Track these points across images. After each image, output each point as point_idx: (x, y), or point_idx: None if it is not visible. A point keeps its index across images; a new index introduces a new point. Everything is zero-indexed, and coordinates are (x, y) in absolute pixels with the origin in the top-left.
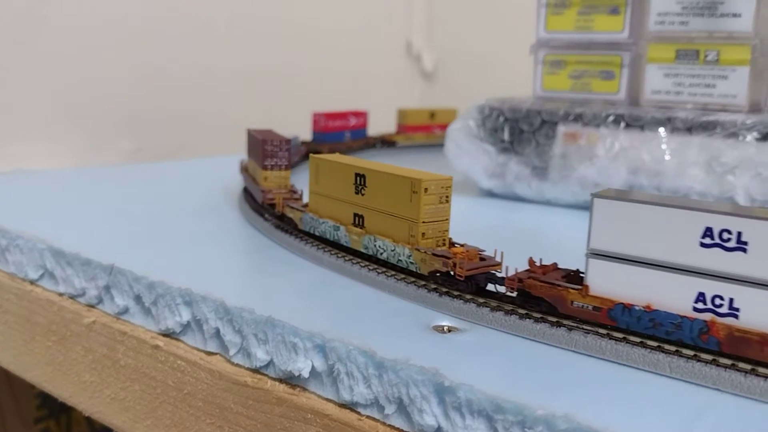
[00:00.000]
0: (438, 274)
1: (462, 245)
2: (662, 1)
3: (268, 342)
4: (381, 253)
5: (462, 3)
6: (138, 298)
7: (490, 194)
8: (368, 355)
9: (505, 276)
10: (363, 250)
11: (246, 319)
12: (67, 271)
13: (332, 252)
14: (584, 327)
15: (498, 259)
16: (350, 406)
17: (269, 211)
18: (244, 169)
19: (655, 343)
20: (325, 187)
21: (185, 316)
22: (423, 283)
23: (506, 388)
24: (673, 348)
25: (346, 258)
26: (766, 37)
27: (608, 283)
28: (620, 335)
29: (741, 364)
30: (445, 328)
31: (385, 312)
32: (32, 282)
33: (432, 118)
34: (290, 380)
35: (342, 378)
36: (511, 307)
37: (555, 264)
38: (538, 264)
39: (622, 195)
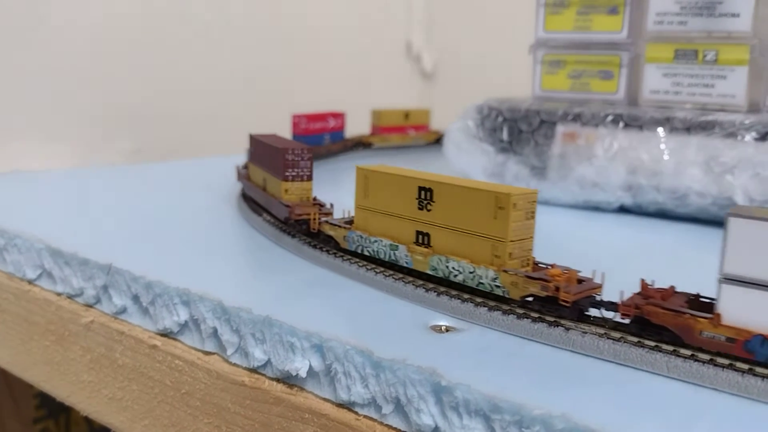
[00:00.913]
0: (531, 299)
1: (552, 265)
2: (661, 1)
3: (266, 342)
4: (455, 276)
5: (461, 3)
6: (136, 298)
7: None
8: (365, 354)
9: (619, 302)
10: (430, 272)
11: (243, 319)
12: (65, 270)
13: (329, 251)
14: (581, 327)
15: (597, 280)
16: (348, 406)
17: (297, 227)
18: (245, 177)
19: (652, 343)
20: (378, 202)
21: (183, 315)
22: (421, 282)
23: (503, 388)
24: (670, 348)
25: (344, 258)
26: (764, 37)
27: (744, 311)
28: (617, 335)
29: (738, 364)
30: (443, 327)
31: (383, 311)
32: (30, 282)
33: (406, 119)
34: (288, 380)
35: (339, 378)
36: (508, 306)
37: (673, 287)
38: (652, 286)
39: (761, 214)
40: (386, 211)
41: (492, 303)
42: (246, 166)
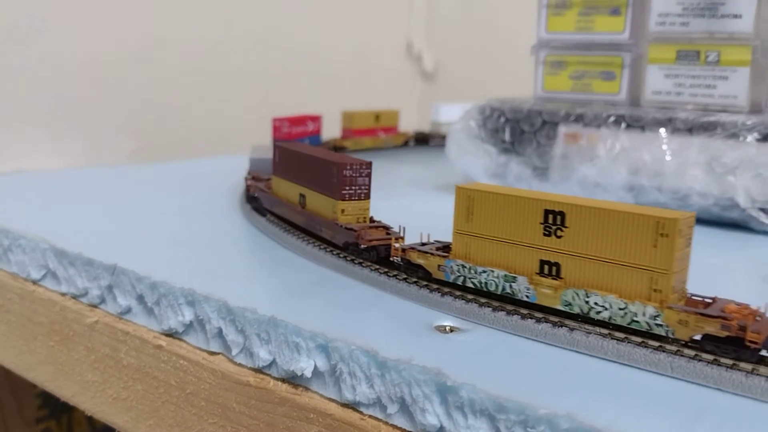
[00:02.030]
0: (704, 339)
1: (713, 299)
2: (663, 2)
3: (271, 342)
4: (597, 312)
5: (462, 3)
6: (140, 298)
7: None
8: (371, 354)
9: None
10: (562, 307)
11: (248, 319)
12: (70, 271)
13: (333, 252)
14: (585, 327)
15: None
16: (353, 406)
17: (366, 254)
18: (266, 190)
19: (656, 343)
20: (485, 227)
21: (188, 315)
22: (425, 283)
23: (508, 388)
24: (674, 348)
25: (348, 258)
26: (766, 38)
27: None
28: (621, 335)
29: (742, 364)
30: (447, 328)
31: (387, 312)
32: (35, 282)
33: (377, 121)
34: (293, 380)
35: (344, 378)
36: (513, 307)
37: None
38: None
39: None
40: (498, 237)
41: (496, 303)
42: (251, 176)
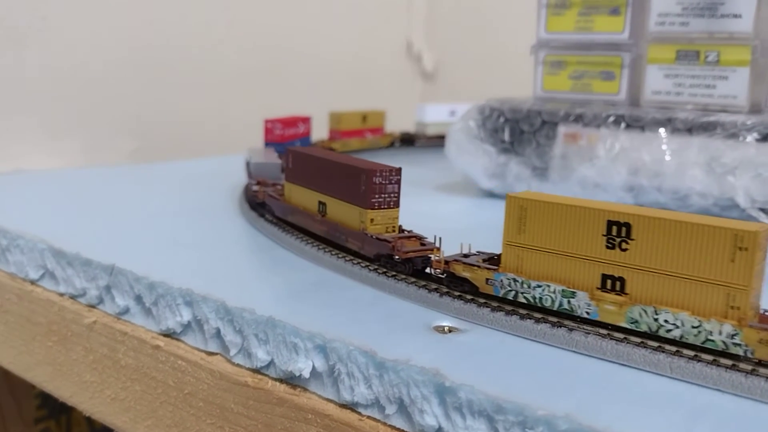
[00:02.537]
0: None
1: None
2: (662, 2)
3: (269, 342)
4: (668, 330)
5: (462, 3)
6: (139, 299)
7: (491, 195)
8: (369, 355)
9: None
10: (627, 325)
11: (247, 320)
12: (68, 271)
13: (332, 252)
14: (585, 328)
15: None
16: (351, 407)
17: (402, 267)
18: (275, 196)
19: (655, 344)
20: (539, 239)
21: (186, 316)
22: (423, 283)
23: (507, 389)
24: (673, 348)
25: (347, 258)
26: (766, 38)
27: None
28: (621, 336)
29: (741, 365)
30: (446, 328)
31: (386, 312)
32: (33, 282)
33: (364, 122)
34: (291, 380)
35: (343, 378)
36: (512, 307)
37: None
38: None
39: None
40: (554, 249)
41: (494, 304)
42: (257, 182)
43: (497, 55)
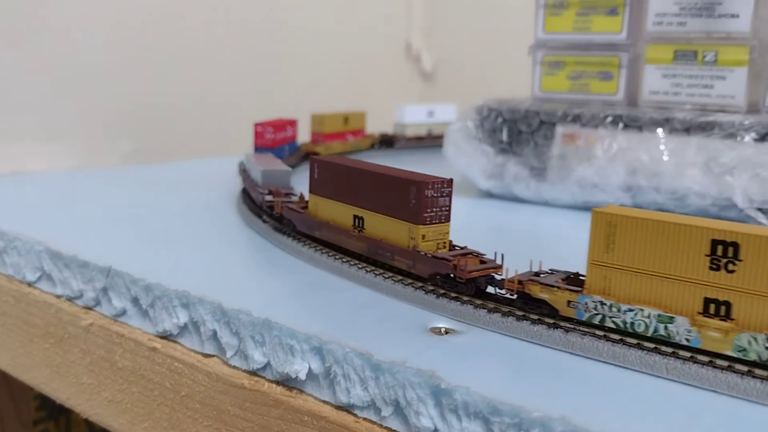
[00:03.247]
0: None
1: None
2: (660, 2)
3: (265, 344)
4: None
5: (461, 4)
6: (135, 300)
7: (489, 195)
8: (365, 357)
9: None
10: (734, 353)
11: (243, 322)
12: (65, 273)
13: (329, 253)
14: (581, 329)
15: None
16: (347, 408)
17: (465, 287)
18: (297, 209)
19: (651, 345)
20: (632, 258)
21: (182, 318)
22: (420, 284)
23: (503, 391)
24: (669, 350)
25: (343, 259)
26: (764, 37)
27: None
28: (617, 337)
29: (738, 366)
30: (442, 329)
31: (382, 314)
32: (30, 284)
33: (346, 123)
34: (287, 382)
35: (339, 380)
36: (509, 308)
37: None
38: None
39: None
40: (647, 270)
41: (491, 305)
42: (269, 192)
43: (496, 55)
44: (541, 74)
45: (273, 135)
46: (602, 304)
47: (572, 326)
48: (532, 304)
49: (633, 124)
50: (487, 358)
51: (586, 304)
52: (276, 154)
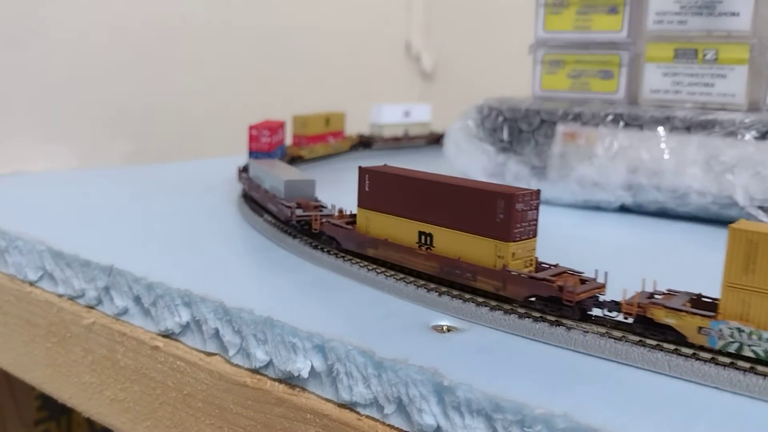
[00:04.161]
0: None
1: None
2: (661, 1)
3: (268, 342)
4: None
5: (461, 3)
6: (137, 299)
7: None
8: (367, 355)
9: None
10: None
11: (245, 320)
12: (67, 272)
13: (331, 252)
14: (582, 326)
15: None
16: (349, 406)
17: (570, 311)
18: (342, 225)
19: (654, 342)
20: None
21: (184, 316)
22: (422, 282)
23: (505, 388)
24: (671, 347)
25: (345, 258)
26: (764, 36)
27: None
28: (619, 334)
29: (740, 363)
30: (444, 327)
31: (384, 312)
32: (32, 283)
33: (327, 125)
34: (289, 380)
35: (341, 378)
36: (510, 306)
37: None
38: None
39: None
40: None
41: (493, 303)
42: (297, 205)
43: (496, 55)
44: (541, 73)
45: (269, 138)
46: (740, 331)
47: (573, 324)
48: (654, 330)
49: (634, 122)
50: (489, 356)
51: (720, 330)
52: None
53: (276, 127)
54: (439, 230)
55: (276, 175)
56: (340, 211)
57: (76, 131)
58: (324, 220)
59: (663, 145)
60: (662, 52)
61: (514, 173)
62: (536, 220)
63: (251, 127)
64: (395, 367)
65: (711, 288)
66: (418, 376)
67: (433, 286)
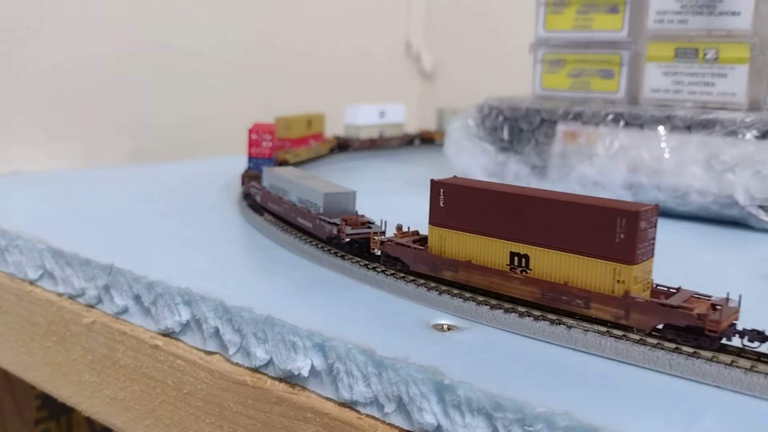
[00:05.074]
0: None
1: None
2: (661, 0)
3: (268, 341)
4: None
5: (461, 2)
6: (137, 298)
7: None
8: (368, 353)
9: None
10: None
11: (245, 319)
12: (67, 271)
13: (331, 251)
14: (583, 325)
15: None
16: (350, 405)
17: (705, 342)
18: (409, 245)
19: (654, 341)
20: None
21: (184, 315)
22: (422, 281)
23: (506, 386)
24: (672, 345)
25: (345, 257)
26: (765, 35)
27: None
28: (619, 332)
29: (741, 361)
30: (445, 326)
31: (385, 311)
32: (32, 282)
33: (309, 127)
34: (290, 379)
35: (341, 377)
36: (510, 305)
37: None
38: None
39: None
40: None
41: (494, 302)
42: (344, 221)
43: (496, 54)
44: (541, 72)
45: (271, 143)
46: None
47: (574, 322)
48: None
49: (634, 121)
50: (490, 354)
51: None
52: (267, 166)
53: (273, 131)
54: (537, 251)
55: (309, 187)
56: (399, 227)
57: (76, 131)
58: (386, 239)
59: (663, 145)
60: (663, 52)
61: (514, 172)
62: (655, 238)
63: (251, 131)
64: (396, 366)
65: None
66: (419, 375)
67: (433, 284)
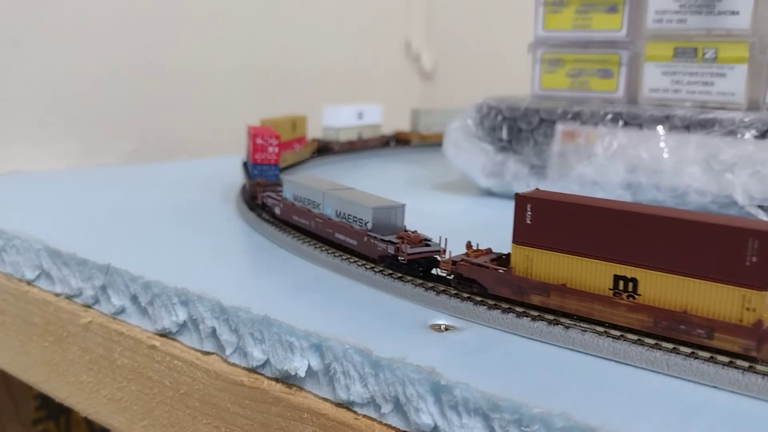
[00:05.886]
0: None
1: None
2: None
3: (265, 341)
4: None
5: (460, 2)
6: (134, 298)
7: (489, 193)
8: (364, 354)
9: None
10: None
11: (242, 319)
12: (64, 271)
13: (329, 251)
14: (581, 325)
15: None
16: (347, 406)
17: None
18: (487, 265)
19: (652, 341)
20: None
21: (181, 315)
22: (420, 281)
23: (503, 387)
24: (670, 345)
25: (343, 257)
26: (764, 34)
27: None
28: (617, 333)
29: (739, 362)
30: (442, 326)
31: (382, 311)
32: (29, 282)
33: (294, 130)
34: (287, 379)
35: (338, 377)
36: (508, 305)
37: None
38: None
39: None
40: None
41: (491, 302)
42: (400, 238)
43: (496, 54)
44: (540, 72)
45: (276, 148)
46: None
47: (572, 323)
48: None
49: (633, 121)
50: (487, 355)
51: None
52: (270, 176)
53: (278, 135)
54: (647, 274)
55: (351, 200)
56: (469, 245)
57: (76, 130)
58: (459, 259)
59: (662, 144)
60: (662, 51)
61: (513, 172)
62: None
63: (255, 135)
64: (392, 366)
65: None
66: (416, 375)
67: (431, 284)
